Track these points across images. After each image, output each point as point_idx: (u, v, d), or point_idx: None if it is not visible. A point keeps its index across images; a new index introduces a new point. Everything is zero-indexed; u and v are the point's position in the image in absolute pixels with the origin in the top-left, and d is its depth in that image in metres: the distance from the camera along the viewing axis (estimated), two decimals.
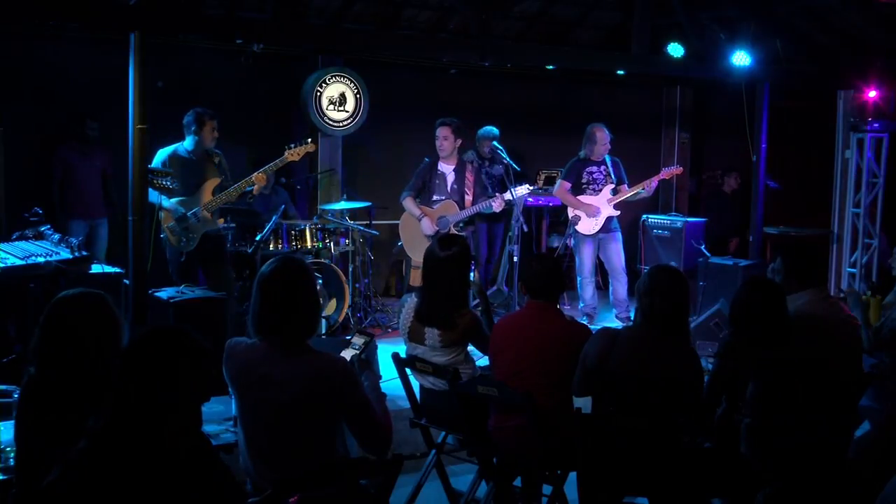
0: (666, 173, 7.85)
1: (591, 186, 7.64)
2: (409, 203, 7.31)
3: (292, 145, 6.79)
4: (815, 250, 4.59)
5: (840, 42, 8.79)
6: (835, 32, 8.72)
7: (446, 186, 7.30)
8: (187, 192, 6.42)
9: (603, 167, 7.63)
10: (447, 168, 7.32)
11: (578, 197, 7.62)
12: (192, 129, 6.45)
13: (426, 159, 7.58)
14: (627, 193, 7.63)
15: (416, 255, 7.10)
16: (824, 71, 8.97)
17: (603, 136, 7.56)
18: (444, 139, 7.25)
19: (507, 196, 7.11)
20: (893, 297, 5.81)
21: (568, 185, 7.66)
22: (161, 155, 6.45)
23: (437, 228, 7.14)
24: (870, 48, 8.63)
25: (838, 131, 9.04)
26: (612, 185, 7.62)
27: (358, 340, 3.47)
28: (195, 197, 6.42)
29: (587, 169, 7.65)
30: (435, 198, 7.30)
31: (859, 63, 8.66)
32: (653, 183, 7.69)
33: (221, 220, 6.60)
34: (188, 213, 6.36)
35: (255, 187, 6.50)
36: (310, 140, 7.00)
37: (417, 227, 7.25)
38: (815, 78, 9.12)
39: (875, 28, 8.37)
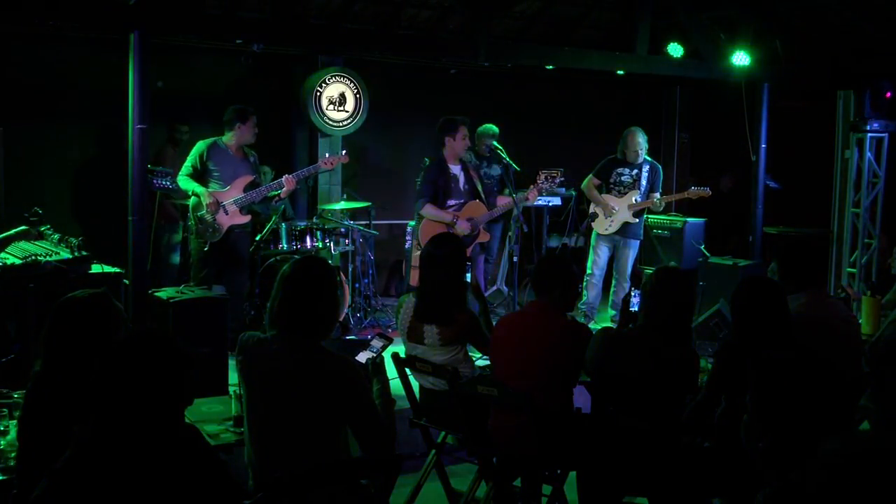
0: (693, 193, 7.76)
1: (616, 188, 7.63)
2: (432, 210, 6.63)
3: (327, 154, 6.92)
4: (813, 250, 4.56)
5: (840, 42, 8.78)
6: (835, 32, 8.72)
7: (459, 188, 6.83)
8: (221, 184, 6.51)
9: (636, 171, 7.58)
10: (456, 169, 6.80)
11: (602, 196, 7.64)
12: (234, 124, 6.55)
13: (426, 160, 7.55)
14: (647, 203, 7.56)
15: None
16: (824, 71, 8.97)
17: (633, 139, 7.52)
18: (468, 138, 6.77)
19: (541, 188, 6.95)
20: (892, 297, 5.82)
21: (597, 181, 7.66)
22: (200, 146, 6.56)
23: (471, 230, 6.72)
24: (870, 47, 8.62)
25: (838, 131, 9.03)
26: (639, 192, 7.55)
27: (377, 343, 3.47)
28: (227, 191, 6.50)
29: (617, 169, 7.62)
30: (451, 202, 6.72)
31: (863, 62, 8.65)
32: (673, 201, 7.67)
33: (247, 218, 6.65)
34: (223, 203, 6.44)
35: (284, 190, 6.59)
36: (344, 151, 7.08)
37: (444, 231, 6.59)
38: (815, 78, 9.12)
39: (875, 27, 8.36)
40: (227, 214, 6.48)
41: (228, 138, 6.59)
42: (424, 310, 4.37)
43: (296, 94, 8.42)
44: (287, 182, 6.57)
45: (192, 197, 6.48)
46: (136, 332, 2.50)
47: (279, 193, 6.61)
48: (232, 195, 6.49)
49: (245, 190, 6.54)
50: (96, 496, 2.22)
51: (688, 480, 3.67)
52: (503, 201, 6.88)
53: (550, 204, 9.22)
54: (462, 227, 6.65)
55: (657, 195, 7.59)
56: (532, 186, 6.99)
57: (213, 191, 6.46)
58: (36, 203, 5.95)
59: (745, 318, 3.76)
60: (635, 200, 7.52)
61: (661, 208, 7.71)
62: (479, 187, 6.80)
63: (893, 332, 4.41)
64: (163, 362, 2.35)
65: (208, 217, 6.42)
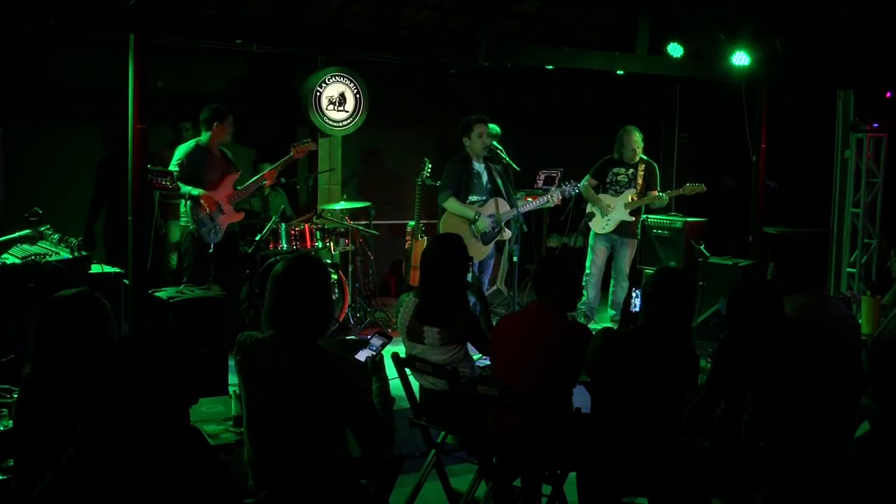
0: (688, 189, 7.82)
1: (612, 187, 7.68)
2: (455, 204, 6.73)
3: (296, 144, 7.04)
4: (812, 250, 4.55)
5: (840, 41, 8.78)
6: (835, 31, 8.71)
7: (482, 184, 6.86)
8: (210, 186, 6.52)
9: (631, 170, 7.62)
10: (480, 166, 6.87)
11: (599, 195, 7.69)
12: (213, 124, 6.56)
13: (426, 160, 7.56)
14: (641, 201, 7.60)
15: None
16: (824, 71, 8.97)
17: (629, 138, 7.57)
18: (488, 136, 6.82)
19: (567, 191, 7.13)
20: (892, 298, 5.81)
21: (593, 182, 7.74)
22: (182, 150, 6.57)
23: (493, 227, 6.80)
24: (870, 47, 8.62)
25: (838, 131, 9.04)
26: (635, 191, 7.57)
27: (376, 342, 3.47)
28: (219, 190, 6.53)
29: (613, 169, 7.68)
30: (474, 198, 6.81)
31: (863, 62, 8.65)
32: (672, 199, 7.75)
33: (241, 215, 6.73)
34: (220, 203, 6.49)
35: (266, 184, 6.78)
36: (308, 140, 7.19)
37: (465, 227, 6.70)
38: (815, 78, 9.12)
39: (875, 27, 8.36)
40: (223, 214, 6.51)
41: (208, 139, 6.59)
42: (425, 311, 4.37)
43: (296, 94, 8.42)
44: (268, 175, 6.82)
45: (188, 201, 6.45)
46: (142, 330, 2.50)
47: (262, 187, 6.89)
48: (225, 194, 6.52)
49: (234, 187, 6.58)
50: (99, 493, 2.22)
51: (688, 480, 3.67)
52: (536, 199, 7.05)
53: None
54: (484, 224, 6.74)
55: (656, 193, 7.61)
56: (554, 188, 7.15)
57: (208, 192, 6.47)
58: (36, 203, 5.95)
59: (741, 319, 3.76)
60: (631, 199, 7.54)
61: (665, 203, 7.75)
62: (501, 186, 6.85)
63: (894, 328, 4.40)
64: (169, 361, 2.35)
65: (208, 219, 6.42)
